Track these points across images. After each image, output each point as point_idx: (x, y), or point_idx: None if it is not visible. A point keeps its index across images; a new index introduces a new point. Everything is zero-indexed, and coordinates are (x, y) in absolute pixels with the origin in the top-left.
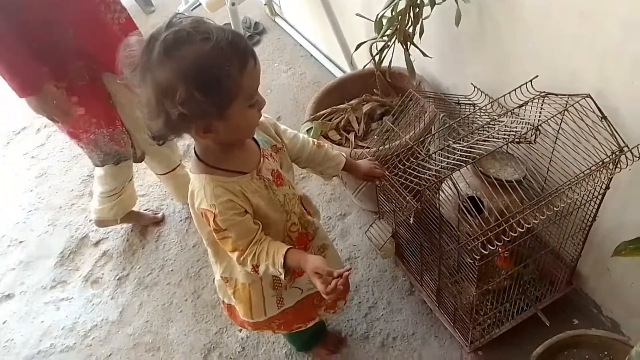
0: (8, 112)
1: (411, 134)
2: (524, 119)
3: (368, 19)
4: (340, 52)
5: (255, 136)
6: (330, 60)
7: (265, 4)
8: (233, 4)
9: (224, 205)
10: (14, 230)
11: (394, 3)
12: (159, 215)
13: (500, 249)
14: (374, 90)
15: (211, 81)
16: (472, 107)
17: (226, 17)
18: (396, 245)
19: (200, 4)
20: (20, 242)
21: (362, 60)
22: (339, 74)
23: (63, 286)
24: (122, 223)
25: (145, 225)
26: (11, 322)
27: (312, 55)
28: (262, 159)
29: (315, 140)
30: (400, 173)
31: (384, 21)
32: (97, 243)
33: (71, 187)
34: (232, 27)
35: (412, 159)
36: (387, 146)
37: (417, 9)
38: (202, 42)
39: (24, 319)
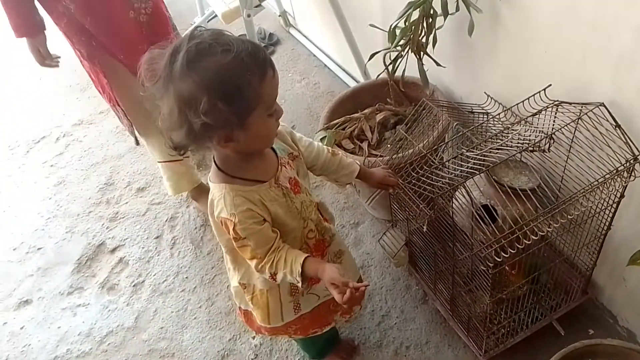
0: (28, 122)
1: (424, 142)
2: (537, 128)
3: (381, 29)
4: (354, 62)
5: (273, 145)
6: (344, 70)
7: (279, 16)
8: (249, 15)
9: (243, 215)
10: (33, 237)
11: (407, 13)
12: None
13: (507, 267)
14: (387, 99)
15: (233, 91)
16: (486, 116)
17: (241, 28)
18: (409, 253)
19: (215, 16)
20: (39, 248)
21: (376, 70)
22: (352, 84)
23: (80, 292)
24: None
25: None
26: (29, 328)
27: (325, 65)
28: (279, 167)
29: (329, 148)
30: (413, 181)
31: (398, 31)
32: (113, 250)
33: (89, 195)
34: (248, 37)
35: (425, 167)
36: (400, 155)
37: (430, 19)
38: (223, 53)
39: (41, 325)
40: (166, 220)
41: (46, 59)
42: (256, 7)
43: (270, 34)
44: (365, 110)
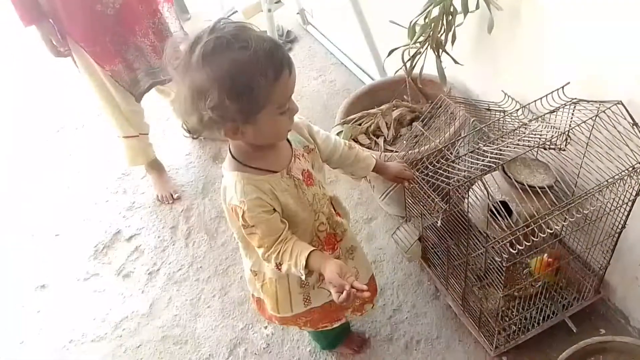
0: (49, 111)
1: (441, 138)
2: (554, 125)
3: (402, 25)
4: (371, 59)
5: (288, 136)
6: (360, 68)
7: (297, 13)
8: (269, 10)
9: (253, 203)
10: (51, 224)
11: (427, 10)
12: (177, 195)
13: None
14: (404, 96)
15: (242, 89)
16: (503, 114)
17: (261, 24)
18: (422, 248)
19: (236, 11)
20: (57, 235)
21: (393, 67)
22: (368, 82)
23: (96, 278)
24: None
25: (162, 187)
26: (44, 312)
27: (342, 63)
28: (293, 158)
29: (346, 141)
30: (430, 174)
31: (417, 28)
32: (129, 239)
33: (106, 185)
34: (268, 33)
35: (442, 161)
36: (416, 150)
37: (450, 17)
38: (239, 50)
39: (57, 309)
40: (182, 211)
41: (60, 47)
42: (276, 2)
43: (288, 31)
44: (382, 106)
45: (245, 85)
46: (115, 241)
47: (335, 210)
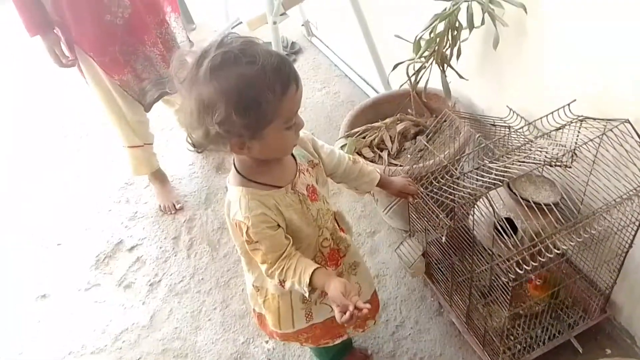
0: (54, 119)
1: (445, 153)
2: (560, 143)
3: (407, 40)
4: (375, 72)
5: (293, 151)
6: (364, 81)
7: (302, 25)
8: (274, 23)
9: (257, 218)
10: (53, 232)
11: (432, 25)
12: (180, 205)
13: (533, 276)
14: (409, 110)
15: (250, 104)
16: (508, 130)
17: (266, 35)
18: (426, 264)
19: (241, 22)
20: (58, 244)
21: (397, 80)
22: (372, 94)
23: (97, 289)
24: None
25: (165, 197)
26: (45, 322)
27: (346, 75)
28: (298, 173)
29: (350, 156)
30: (434, 190)
31: (422, 43)
32: (131, 249)
33: (109, 194)
34: (273, 45)
35: (447, 177)
36: (421, 164)
37: (456, 32)
38: (247, 65)
39: (57, 320)
40: (184, 222)
41: (63, 58)
42: (281, 15)
43: (292, 42)
44: (386, 120)
45: (252, 100)
46: (117, 251)
47: (339, 226)
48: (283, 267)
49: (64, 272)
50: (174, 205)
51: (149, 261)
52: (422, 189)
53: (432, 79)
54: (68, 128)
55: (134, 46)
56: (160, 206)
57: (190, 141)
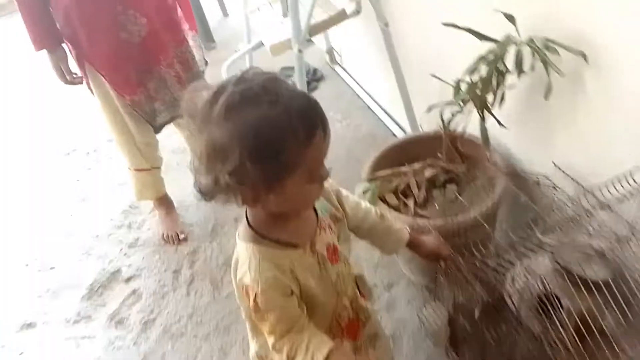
0: (62, 133)
1: (480, 209)
2: (619, 215)
3: (445, 82)
4: (400, 107)
5: (314, 203)
6: (389, 116)
7: (326, 52)
8: (300, 51)
9: (268, 284)
10: (48, 254)
11: (475, 69)
12: (184, 236)
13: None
14: (438, 154)
15: (268, 152)
16: (555, 190)
17: (287, 61)
18: (451, 333)
19: (262, 45)
20: (52, 268)
21: (427, 119)
22: (396, 130)
23: (87, 322)
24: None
25: (169, 225)
26: (28, 354)
27: (369, 107)
28: (318, 230)
29: (377, 209)
30: (469, 255)
31: (462, 86)
32: (128, 280)
33: (111, 216)
34: (296, 73)
35: (487, 244)
36: (452, 219)
37: (501, 76)
38: (268, 106)
39: (41, 353)
40: (187, 254)
41: (68, 75)
42: (307, 41)
43: (314, 69)
44: (415, 165)
45: (271, 147)
46: (112, 281)
47: (359, 291)
48: (293, 343)
49: (54, 300)
50: (178, 235)
51: (145, 295)
52: (454, 253)
53: (464, 123)
54: (76, 142)
55: (149, 65)
56: (163, 235)
57: (197, 188)
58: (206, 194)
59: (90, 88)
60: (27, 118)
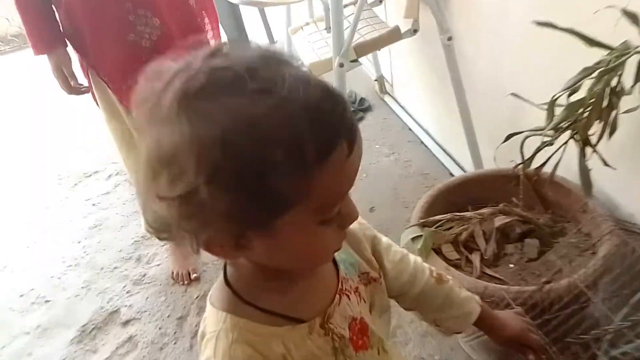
0: (84, 153)
1: (580, 273)
2: None
3: (530, 102)
4: (461, 142)
5: (335, 255)
6: (445, 151)
7: (375, 80)
8: (341, 65)
9: None
10: (46, 285)
11: (578, 84)
12: (195, 275)
13: None
14: (513, 198)
15: (244, 174)
16: None
17: (329, 80)
18: None
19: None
20: (47, 301)
21: (500, 155)
22: (454, 169)
23: None
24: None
25: (180, 263)
26: None
27: (422, 141)
28: (338, 296)
29: (433, 269)
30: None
31: (557, 108)
32: (125, 323)
33: (120, 247)
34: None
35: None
36: (545, 286)
37: (616, 97)
38: (253, 96)
39: None
40: (196, 298)
41: (71, 80)
42: (352, 61)
43: (362, 98)
44: (483, 210)
45: (250, 165)
46: (109, 322)
47: None
48: None
49: (41, 338)
50: (189, 274)
51: (142, 344)
52: (549, 342)
53: (551, 158)
54: (99, 166)
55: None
56: (172, 272)
57: (146, 219)
58: (154, 230)
59: (95, 99)
60: (46, 136)
